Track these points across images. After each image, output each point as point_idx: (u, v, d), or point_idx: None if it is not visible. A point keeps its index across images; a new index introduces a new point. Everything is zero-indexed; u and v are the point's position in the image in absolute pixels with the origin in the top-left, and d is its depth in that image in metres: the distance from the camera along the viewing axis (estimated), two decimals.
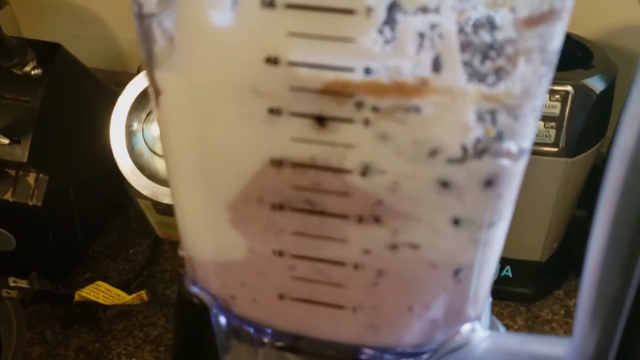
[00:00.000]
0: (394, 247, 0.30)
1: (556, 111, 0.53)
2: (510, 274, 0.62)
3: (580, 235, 0.63)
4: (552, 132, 0.54)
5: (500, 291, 0.63)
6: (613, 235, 0.26)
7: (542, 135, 0.54)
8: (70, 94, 0.67)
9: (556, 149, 0.54)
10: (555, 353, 0.30)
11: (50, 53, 0.63)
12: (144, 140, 0.64)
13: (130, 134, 0.64)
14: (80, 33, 0.79)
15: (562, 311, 0.65)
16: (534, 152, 0.57)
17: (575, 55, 0.60)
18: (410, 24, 0.24)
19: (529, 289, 0.63)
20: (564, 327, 0.63)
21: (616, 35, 0.63)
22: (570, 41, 0.61)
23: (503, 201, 0.28)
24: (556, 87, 0.53)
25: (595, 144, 0.57)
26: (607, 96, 0.55)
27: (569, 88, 0.53)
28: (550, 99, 0.54)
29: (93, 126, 0.67)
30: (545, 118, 0.54)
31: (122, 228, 0.75)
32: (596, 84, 0.54)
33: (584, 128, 0.54)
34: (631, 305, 0.26)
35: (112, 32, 0.80)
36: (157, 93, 0.29)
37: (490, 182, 0.27)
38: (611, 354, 0.28)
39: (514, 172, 0.28)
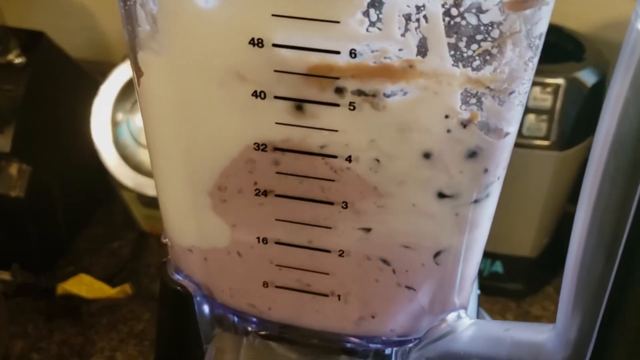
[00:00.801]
0: (378, 231, 0.30)
1: (547, 104, 0.53)
2: (500, 270, 0.62)
3: (572, 231, 0.64)
4: (544, 125, 0.54)
5: (491, 287, 0.63)
6: (595, 221, 0.26)
7: (534, 129, 0.54)
8: (54, 84, 0.66)
9: (547, 142, 0.54)
10: (537, 339, 0.30)
11: (34, 42, 0.62)
12: (129, 131, 0.64)
13: (115, 124, 0.63)
14: (65, 23, 0.78)
15: (553, 307, 0.65)
16: (525, 146, 0.58)
17: (567, 49, 0.60)
18: (395, 5, 0.25)
19: (520, 284, 0.63)
20: (554, 322, 0.63)
21: (608, 29, 0.63)
22: (563, 34, 0.62)
23: (488, 176, 0.29)
24: (548, 80, 0.54)
25: (587, 138, 0.57)
26: (599, 90, 0.55)
27: (560, 81, 0.54)
28: (541, 92, 0.54)
29: (77, 117, 0.66)
30: (536, 111, 0.54)
31: (107, 221, 0.75)
32: (588, 78, 0.55)
33: (576, 121, 0.55)
34: (612, 290, 0.27)
35: (97, 22, 0.79)
36: (139, 74, 0.30)
37: (474, 154, 0.27)
38: (593, 338, 0.28)
39: (499, 147, 0.28)
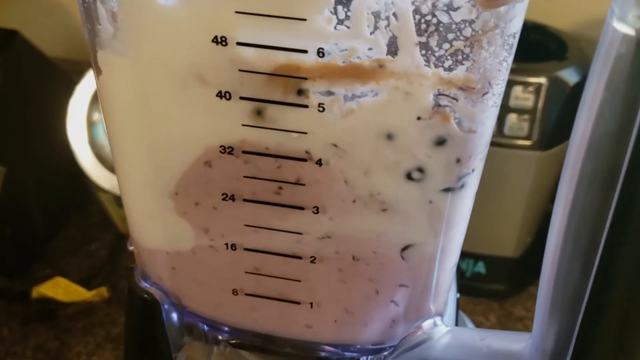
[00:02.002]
0: (349, 231, 0.29)
1: (529, 103, 0.53)
2: (483, 270, 0.61)
3: (547, 238, 0.63)
4: (525, 125, 0.53)
5: (473, 288, 0.62)
6: (571, 227, 0.25)
7: (515, 128, 0.53)
8: (29, 83, 0.64)
9: (529, 142, 0.53)
10: (514, 348, 0.30)
11: (7, 40, 0.61)
12: (105, 131, 0.62)
13: (90, 124, 0.62)
14: (40, 20, 0.76)
15: (534, 308, 0.65)
16: (507, 145, 0.57)
17: (550, 47, 0.59)
18: (364, 2, 0.24)
19: (502, 285, 0.61)
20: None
21: (590, 27, 0.62)
22: (545, 33, 0.61)
23: (461, 167, 0.28)
24: (530, 79, 0.53)
25: (569, 138, 0.57)
26: (581, 89, 0.55)
27: (542, 80, 0.53)
28: (523, 91, 0.53)
29: (52, 117, 0.65)
30: (518, 110, 0.53)
31: (84, 223, 0.73)
32: (570, 77, 0.54)
33: (558, 121, 0.54)
34: (590, 299, 0.26)
35: (74, 19, 0.77)
36: (98, 73, 0.29)
37: (443, 141, 0.27)
38: (570, 349, 0.27)
39: (472, 140, 0.27)
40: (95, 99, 0.63)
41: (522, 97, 0.52)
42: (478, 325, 0.62)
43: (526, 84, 0.53)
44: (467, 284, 0.64)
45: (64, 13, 0.77)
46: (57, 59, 0.68)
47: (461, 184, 0.29)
